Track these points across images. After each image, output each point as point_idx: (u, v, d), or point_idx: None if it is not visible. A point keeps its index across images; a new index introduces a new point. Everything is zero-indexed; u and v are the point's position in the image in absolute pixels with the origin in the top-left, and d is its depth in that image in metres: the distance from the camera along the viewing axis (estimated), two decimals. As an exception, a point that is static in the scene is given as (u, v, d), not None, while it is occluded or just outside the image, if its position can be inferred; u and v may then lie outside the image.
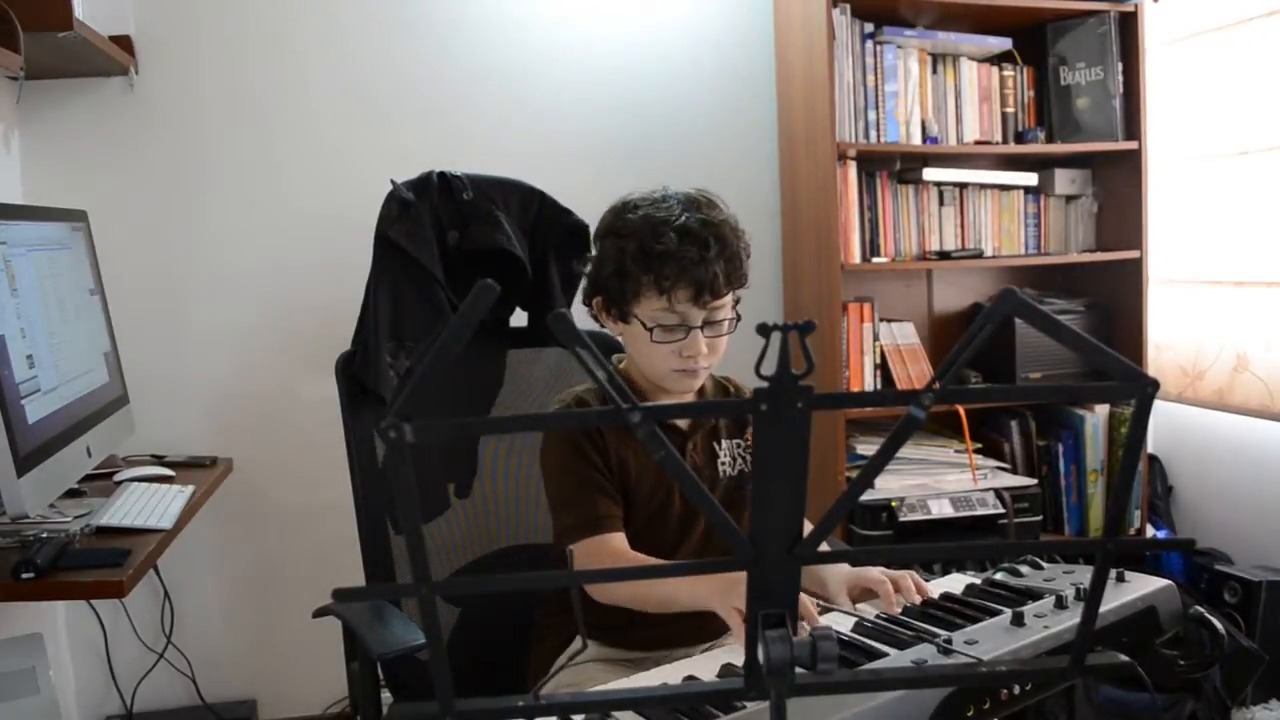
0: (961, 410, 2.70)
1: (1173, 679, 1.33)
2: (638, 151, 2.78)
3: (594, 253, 1.51)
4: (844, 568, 1.38)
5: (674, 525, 1.51)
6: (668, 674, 1.23)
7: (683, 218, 1.42)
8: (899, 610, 1.30)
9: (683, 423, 1.53)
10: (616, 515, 1.44)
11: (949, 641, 1.16)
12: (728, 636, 1.48)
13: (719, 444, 1.55)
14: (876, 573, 1.35)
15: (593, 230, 1.56)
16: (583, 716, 1.02)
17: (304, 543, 2.63)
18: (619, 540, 1.41)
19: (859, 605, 1.34)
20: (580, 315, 1.37)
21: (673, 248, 1.39)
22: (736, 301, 1.48)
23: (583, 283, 1.57)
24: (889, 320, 2.80)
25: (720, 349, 1.47)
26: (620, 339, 1.53)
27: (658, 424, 0.66)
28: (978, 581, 1.41)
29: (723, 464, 1.54)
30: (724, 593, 1.23)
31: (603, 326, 1.54)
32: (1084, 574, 1.37)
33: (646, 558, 1.40)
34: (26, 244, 1.83)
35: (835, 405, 0.72)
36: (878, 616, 1.29)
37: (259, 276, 2.61)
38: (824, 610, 1.34)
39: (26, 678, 1.97)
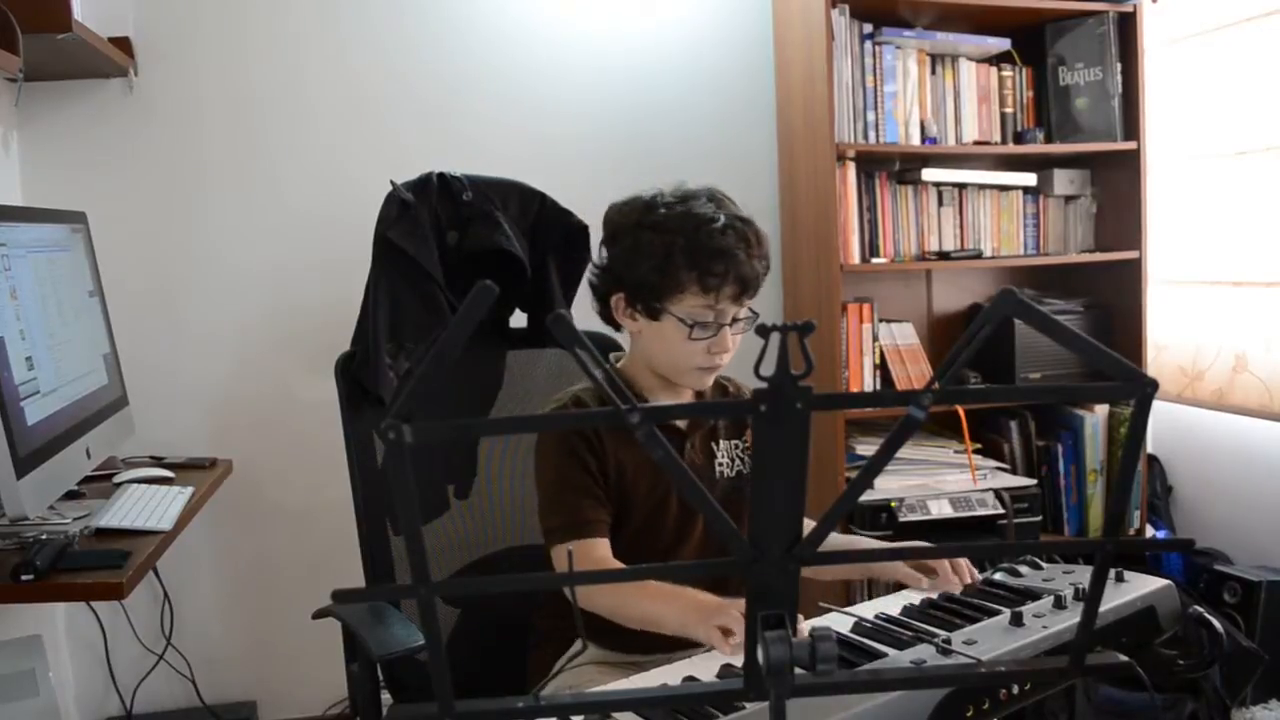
0: (961, 410, 2.69)
1: (1172, 679, 1.33)
2: (637, 152, 2.78)
3: (615, 248, 1.47)
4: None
5: (671, 528, 1.50)
6: (667, 674, 1.23)
7: (724, 215, 1.41)
8: (959, 589, 1.33)
9: (681, 423, 1.53)
10: (603, 521, 1.43)
11: (948, 641, 1.16)
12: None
13: (717, 444, 1.55)
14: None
15: (598, 226, 1.53)
16: (582, 717, 1.02)
17: (304, 543, 2.63)
18: (603, 547, 1.41)
19: (858, 605, 1.34)
20: (579, 315, 1.37)
21: (724, 245, 1.38)
22: None
23: (589, 277, 1.54)
24: (888, 320, 2.79)
25: (736, 347, 1.47)
26: (636, 335, 1.50)
27: (656, 425, 0.66)
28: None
29: (720, 464, 1.54)
30: (706, 616, 1.22)
31: (612, 325, 1.52)
32: (1083, 574, 1.38)
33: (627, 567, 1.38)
34: (26, 246, 1.83)
35: (835, 406, 0.72)
36: (877, 616, 1.29)
37: (258, 277, 2.61)
38: (823, 610, 1.34)
39: (26, 679, 1.97)
